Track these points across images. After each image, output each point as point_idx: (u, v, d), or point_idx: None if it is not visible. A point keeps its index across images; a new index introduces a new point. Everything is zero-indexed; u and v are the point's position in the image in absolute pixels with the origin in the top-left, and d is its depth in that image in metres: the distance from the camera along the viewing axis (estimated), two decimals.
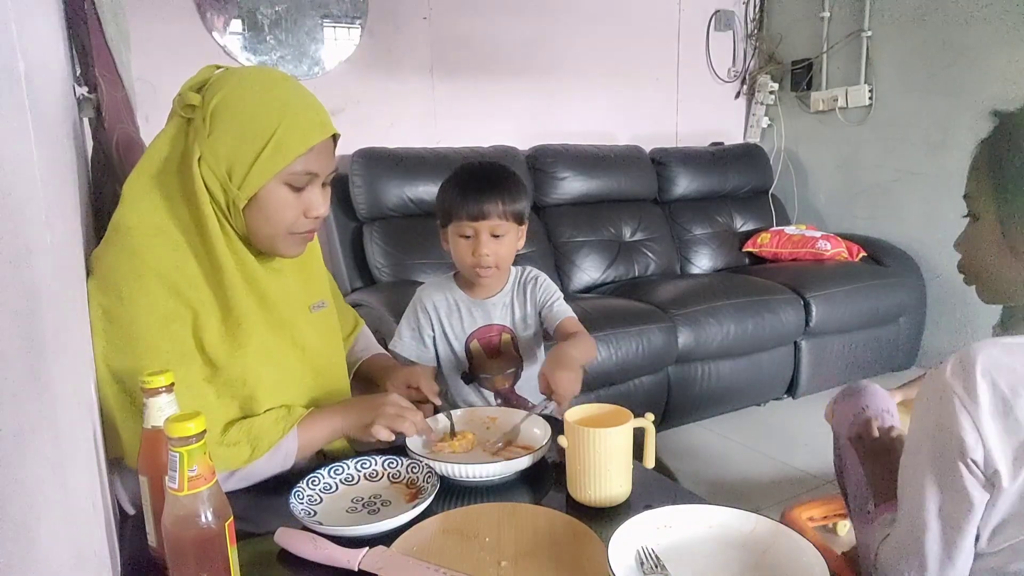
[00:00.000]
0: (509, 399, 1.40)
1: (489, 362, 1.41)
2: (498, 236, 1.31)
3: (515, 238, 1.35)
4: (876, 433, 1.16)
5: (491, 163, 1.40)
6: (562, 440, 0.93)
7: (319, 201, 1.00)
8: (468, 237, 1.31)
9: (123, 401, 0.89)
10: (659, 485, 0.99)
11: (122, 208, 0.95)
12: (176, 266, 0.94)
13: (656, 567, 0.74)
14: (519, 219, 1.34)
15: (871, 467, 1.12)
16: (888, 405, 1.22)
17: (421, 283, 1.50)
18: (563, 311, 1.41)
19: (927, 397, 0.82)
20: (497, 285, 1.42)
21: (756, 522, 0.79)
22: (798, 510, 1.75)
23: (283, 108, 0.94)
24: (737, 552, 0.78)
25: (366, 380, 1.30)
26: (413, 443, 1.04)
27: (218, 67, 1.00)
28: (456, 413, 1.17)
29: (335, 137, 1.02)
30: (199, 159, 0.93)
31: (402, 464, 0.99)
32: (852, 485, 1.19)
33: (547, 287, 1.43)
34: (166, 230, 0.94)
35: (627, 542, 0.76)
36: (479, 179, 1.33)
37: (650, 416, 0.95)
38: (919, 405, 0.85)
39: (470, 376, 1.41)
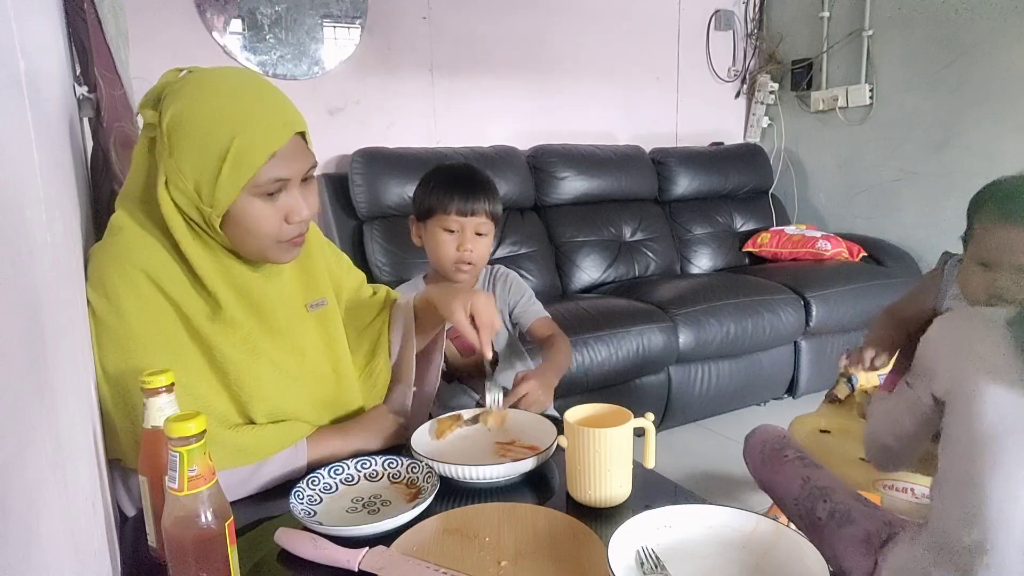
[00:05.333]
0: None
1: (464, 362, 1.42)
2: (481, 234, 1.36)
3: (492, 239, 1.40)
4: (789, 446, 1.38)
5: (470, 165, 1.45)
6: (562, 440, 0.93)
7: (299, 204, 0.93)
8: (452, 232, 1.34)
9: (118, 400, 0.89)
10: (659, 485, 0.99)
11: (115, 214, 0.95)
12: (166, 271, 0.92)
13: (656, 567, 0.74)
14: (497, 221, 1.39)
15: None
16: (780, 431, 1.43)
17: None
18: (535, 312, 1.45)
19: None
20: (468, 285, 1.44)
21: (757, 522, 0.79)
22: None
23: (238, 116, 0.88)
24: (738, 553, 0.78)
25: (425, 312, 1.19)
26: (417, 442, 1.04)
27: (180, 70, 0.94)
28: (466, 414, 1.14)
29: (304, 133, 0.95)
30: (166, 181, 0.89)
31: (402, 464, 0.99)
32: (791, 503, 1.27)
33: (517, 286, 1.47)
34: (153, 243, 0.93)
35: (627, 542, 0.76)
36: (467, 178, 1.37)
37: (650, 416, 0.95)
38: None
39: (450, 376, 1.42)
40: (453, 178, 1.36)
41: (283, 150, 0.90)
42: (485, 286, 1.46)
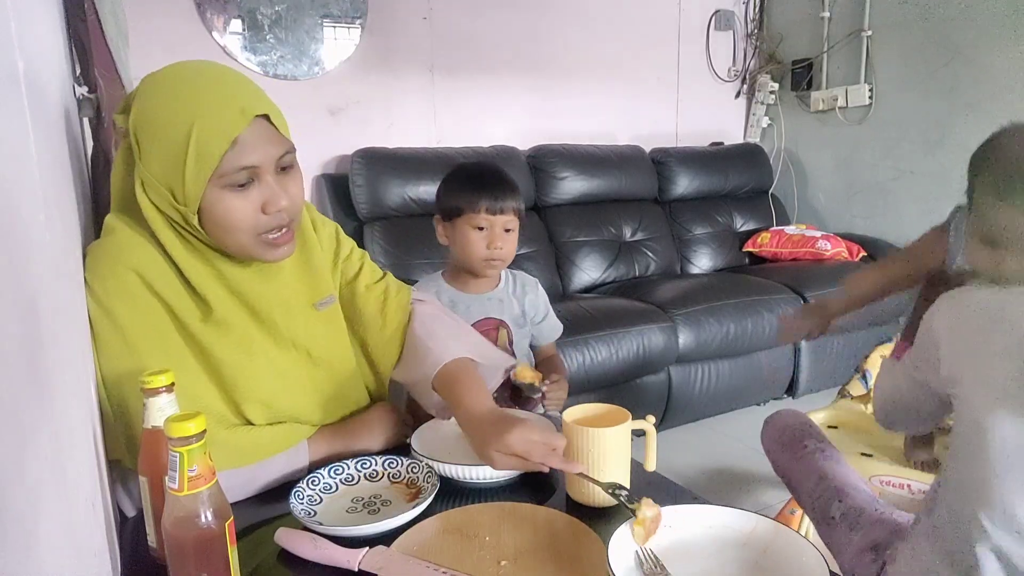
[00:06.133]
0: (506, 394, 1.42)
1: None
2: (509, 231, 1.39)
3: (517, 235, 1.42)
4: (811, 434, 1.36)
5: (494, 164, 1.47)
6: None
7: (275, 193, 0.88)
8: (482, 229, 1.37)
9: (112, 402, 0.88)
10: (659, 485, 0.99)
11: (108, 215, 0.94)
12: (158, 272, 0.91)
13: (656, 567, 0.74)
14: (522, 218, 1.42)
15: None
16: (802, 417, 1.40)
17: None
18: (551, 332, 1.50)
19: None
20: (492, 282, 1.46)
21: (756, 522, 0.79)
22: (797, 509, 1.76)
23: (193, 107, 0.84)
24: (737, 552, 0.78)
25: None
26: (417, 442, 1.04)
27: (154, 74, 0.91)
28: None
29: (271, 117, 0.88)
30: (143, 185, 0.88)
31: (402, 464, 0.99)
32: (806, 497, 1.27)
33: (540, 298, 1.50)
34: (144, 244, 0.92)
35: (627, 542, 0.76)
36: (494, 177, 1.39)
37: (651, 419, 0.95)
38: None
39: None
40: (481, 177, 1.39)
41: (246, 136, 0.85)
42: (510, 285, 1.47)
